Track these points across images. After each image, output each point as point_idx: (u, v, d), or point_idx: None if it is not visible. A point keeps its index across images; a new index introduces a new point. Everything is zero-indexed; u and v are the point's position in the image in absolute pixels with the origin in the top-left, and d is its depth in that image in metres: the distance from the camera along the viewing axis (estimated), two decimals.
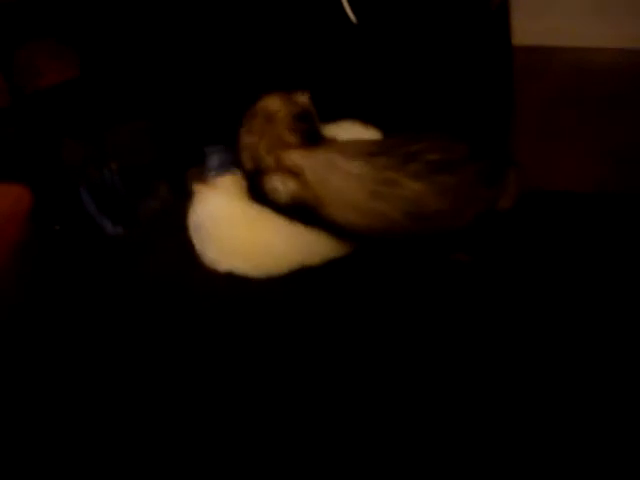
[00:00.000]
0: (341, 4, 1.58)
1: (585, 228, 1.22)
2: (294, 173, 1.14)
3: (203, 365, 1.05)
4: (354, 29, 1.55)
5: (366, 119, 1.38)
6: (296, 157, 1.16)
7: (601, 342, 1.04)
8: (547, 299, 1.10)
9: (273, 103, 1.24)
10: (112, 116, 1.78)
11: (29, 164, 1.80)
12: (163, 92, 1.75)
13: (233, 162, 1.43)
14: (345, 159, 1.12)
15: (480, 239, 1.15)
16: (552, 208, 1.26)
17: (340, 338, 1.06)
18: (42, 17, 1.87)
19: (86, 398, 1.04)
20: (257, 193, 1.20)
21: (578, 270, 1.14)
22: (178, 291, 1.16)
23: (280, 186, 1.14)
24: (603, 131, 1.75)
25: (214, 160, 1.57)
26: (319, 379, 1.02)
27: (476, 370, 1.01)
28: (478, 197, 1.11)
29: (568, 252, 1.18)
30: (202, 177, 1.49)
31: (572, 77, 2.30)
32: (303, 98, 1.25)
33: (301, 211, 1.14)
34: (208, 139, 1.62)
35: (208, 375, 1.04)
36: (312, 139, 1.19)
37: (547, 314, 1.07)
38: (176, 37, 1.69)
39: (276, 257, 1.14)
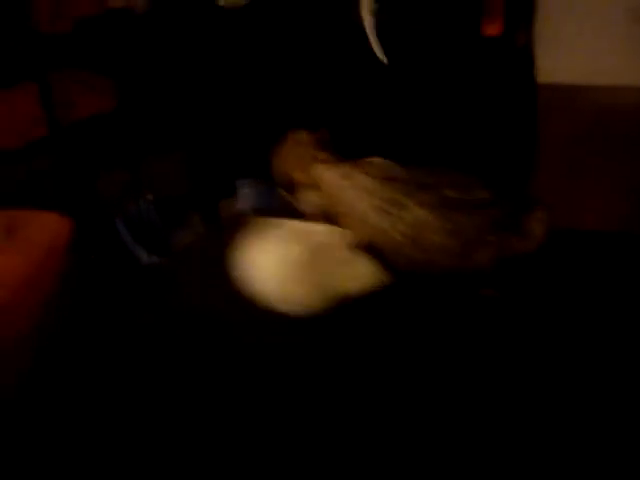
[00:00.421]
0: (372, 47, 1.63)
1: (611, 267, 1.24)
2: (317, 185, 1.19)
3: (234, 398, 1.07)
4: (384, 70, 1.60)
5: (391, 156, 1.42)
6: (319, 170, 1.21)
7: (627, 379, 1.05)
8: (573, 337, 1.11)
9: (301, 133, 1.30)
10: (147, 148, 1.84)
11: (66, 194, 1.86)
12: (197, 125, 1.80)
13: (262, 194, 1.48)
14: (361, 175, 1.16)
15: (505, 278, 1.17)
16: (578, 247, 1.28)
17: (369, 373, 1.08)
18: (80, 49, 1.94)
19: (121, 425, 1.06)
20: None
21: (603, 309, 1.16)
22: (212, 322, 1.19)
23: (305, 198, 1.20)
24: (628, 169, 1.77)
25: (244, 194, 1.62)
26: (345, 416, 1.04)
27: (501, 406, 1.02)
28: (492, 243, 1.11)
29: (593, 291, 1.20)
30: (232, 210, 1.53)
31: (597, 115, 2.33)
32: (325, 134, 1.31)
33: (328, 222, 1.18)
34: (240, 172, 1.67)
35: (242, 407, 1.06)
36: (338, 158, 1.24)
37: (573, 353, 1.09)
38: (212, 72, 1.75)
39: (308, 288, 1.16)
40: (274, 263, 1.15)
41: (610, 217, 1.49)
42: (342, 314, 1.14)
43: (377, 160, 1.21)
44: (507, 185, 1.25)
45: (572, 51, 2.83)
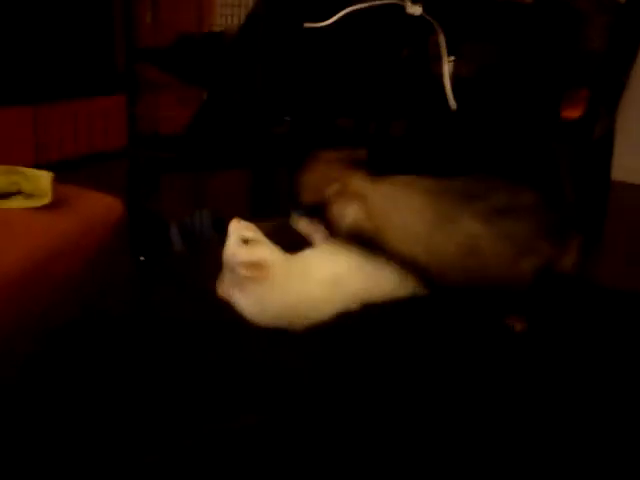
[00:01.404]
0: (444, 92, 1.66)
1: None
2: (358, 198, 1.17)
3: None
4: (452, 115, 1.63)
5: None
6: (360, 184, 1.19)
7: None
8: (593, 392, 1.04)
9: (330, 152, 1.29)
10: (213, 164, 1.90)
11: (132, 199, 1.93)
12: (265, 147, 1.85)
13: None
14: (408, 194, 1.15)
15: (538, 303, 1.13)
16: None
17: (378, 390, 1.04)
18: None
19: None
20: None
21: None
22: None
23: (344, 211, 1.17)
24: None
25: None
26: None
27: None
28: (538, 250, 1.09)
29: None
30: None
31: None
32: (356, 153, 1.30)
33: (360, 239, 1.16)
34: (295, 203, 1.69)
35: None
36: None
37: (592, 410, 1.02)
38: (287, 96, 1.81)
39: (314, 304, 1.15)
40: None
41: None
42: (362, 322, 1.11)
43: (419, 177, 1.20)
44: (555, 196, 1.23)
45: None
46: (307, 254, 1.23)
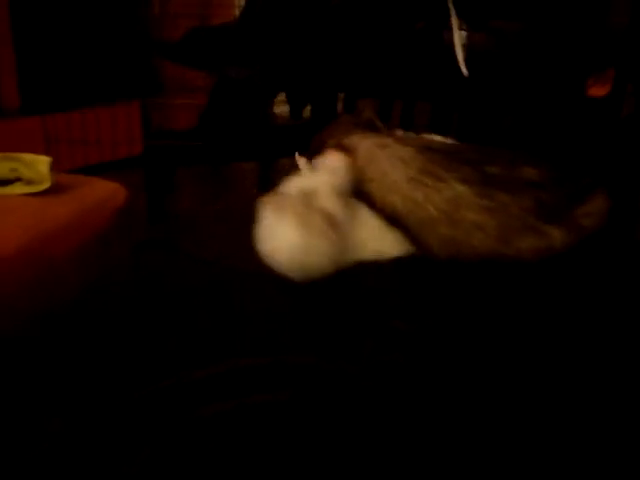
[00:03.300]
0: (456, 59, 1.62)
1: None
2: (348, 150, 1.12)
3: None
4: (464, 80, 1.58)
5: None
6: (353, 138, 1.14)
7: None
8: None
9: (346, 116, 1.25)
10: (227, 155, 1.87)
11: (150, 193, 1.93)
12: None
13: None
14: (398, 144, 1.09)
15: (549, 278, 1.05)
16: None
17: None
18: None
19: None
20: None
21: None
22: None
23: (330, 159, 1.12)
24: None
25: None
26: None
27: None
28: (537, 231, 1.01)
29: None
30: None
31: None
32: (368, 113, 1.26)
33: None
34: None
35: None
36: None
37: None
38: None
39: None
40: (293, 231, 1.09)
41: None
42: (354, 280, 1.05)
43: (418, 135, 1.15)
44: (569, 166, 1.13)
45: None
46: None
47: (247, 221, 1.17)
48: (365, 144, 1.11)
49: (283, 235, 1.09)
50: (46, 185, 1.29)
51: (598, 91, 1.82)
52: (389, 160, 1.06)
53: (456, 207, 1.00)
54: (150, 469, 0.61)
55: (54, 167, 1.31)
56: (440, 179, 1.02)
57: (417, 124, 1.89)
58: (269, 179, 1.80)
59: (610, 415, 0.86)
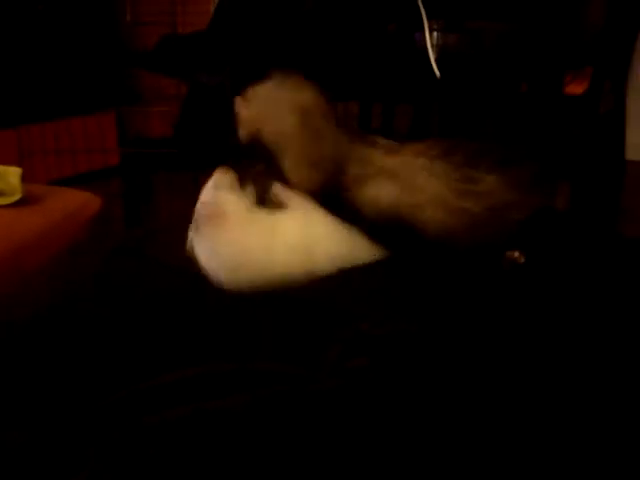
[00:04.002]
0: (429, 61, 1.62)
1: None
2: (387, 175, 1.07)
3: None
4: (436, 83, 1.58)
5: None
6: (386, 159, 1.09)
7: None
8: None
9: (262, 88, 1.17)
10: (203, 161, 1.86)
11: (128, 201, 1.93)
12: None
13: None
14: (426, 160, 1.07)
15: (536, 237, 1.07)
16: None
17: None
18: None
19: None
20: (339, 208, 1.10)
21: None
22: None
23: (369, 195, 1.07)
24: None
25: None
26: None
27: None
28: (538, 191, 1.04)
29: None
30: None
31: None
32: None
33: (392, 223, 1.06)
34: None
35: None
36: None
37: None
38: None
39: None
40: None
41: None
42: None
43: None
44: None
45: None
46: (279, 213, 1.14)
47: None
48: (403, 167, 1.08)
49: (217, 247, 1.08)
50: (17, 197, 1.27)
51: (576, 88, 1.84)
52: (429, 181, 1.04)
53: (494, 199, 1.01)
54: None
55: (25, 178, 1.30)
56: (474, 179, 1.03)
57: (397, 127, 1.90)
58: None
59: (610, 415, 0.86)
